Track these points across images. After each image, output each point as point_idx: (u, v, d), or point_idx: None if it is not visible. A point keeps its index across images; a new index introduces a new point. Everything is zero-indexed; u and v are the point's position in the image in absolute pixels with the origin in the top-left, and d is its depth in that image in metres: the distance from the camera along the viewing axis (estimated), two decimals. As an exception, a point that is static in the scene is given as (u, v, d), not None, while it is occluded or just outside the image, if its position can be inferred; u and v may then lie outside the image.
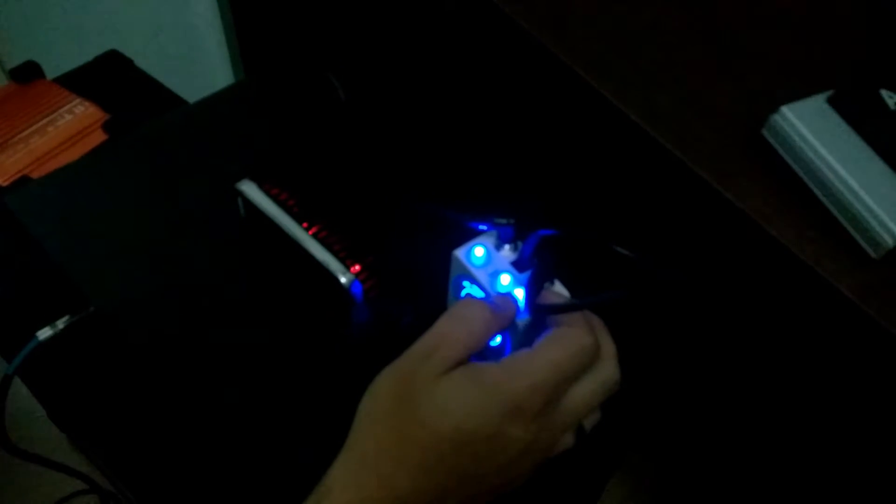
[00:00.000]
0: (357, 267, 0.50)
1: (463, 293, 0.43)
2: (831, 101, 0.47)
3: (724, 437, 0.68)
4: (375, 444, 0.35)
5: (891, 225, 0.42)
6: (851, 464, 0.54)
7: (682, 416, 0.72)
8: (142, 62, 0.92)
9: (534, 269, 0.40)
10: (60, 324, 0.59)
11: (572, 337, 0.36)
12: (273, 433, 0.51)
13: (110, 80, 0.89)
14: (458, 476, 0.35)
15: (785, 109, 0.46)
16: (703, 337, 0.60)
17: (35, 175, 0.74)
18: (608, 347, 0.38)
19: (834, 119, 0.47)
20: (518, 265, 0.41)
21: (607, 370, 0.37)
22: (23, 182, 0.72)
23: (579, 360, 0.36)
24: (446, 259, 0.43)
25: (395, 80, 0.73)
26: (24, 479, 1.23)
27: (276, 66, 1.06)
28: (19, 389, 0.61)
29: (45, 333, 0.59)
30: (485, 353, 0.38)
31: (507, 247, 0.41)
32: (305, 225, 0.52)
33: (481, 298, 0.40)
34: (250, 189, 0.54)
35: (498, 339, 0.40)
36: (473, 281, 0.41)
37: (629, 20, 0.56)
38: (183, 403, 0.53)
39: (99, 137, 0.79)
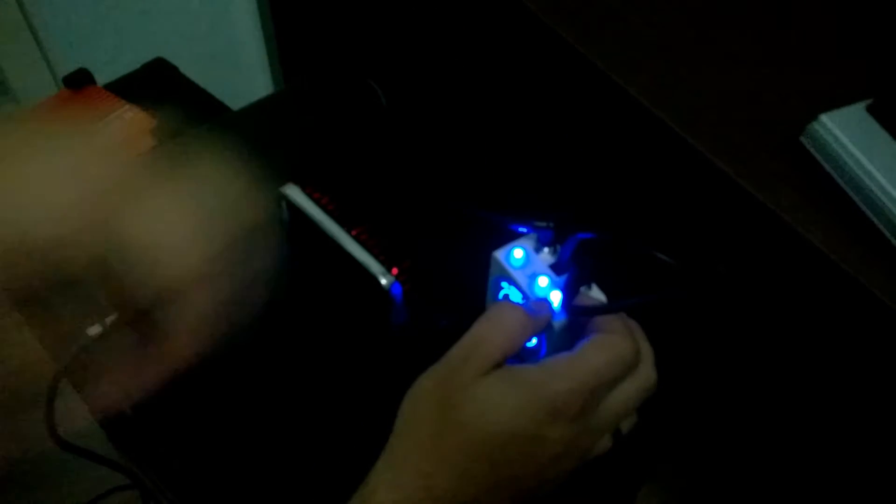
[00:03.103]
0: (397, 269, 0.51)
1: (501, 294, 0.44)
2: (870, 110, 0.47)
3: (760, 453, 0.68)
4: (417, 447, 0.36)
5: (931, 233, 0.42)
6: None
7: (715, 429, 0.72)
8: (186, 69, 0.95)
9: (572, 272, 0.41)
10: (109, 321, 0.61)
11: (614, 344, 0.37)
12: (314, 433, 0.52)
13: (157, 86, 0.91)
14: (497, 477, 0.35)
15: (824, 117, 0.47)
16: (734, 347, 0.60)
17: (86, 178, 0.76)
18: (646, 352, 0.39)
19: (873, 127, 0.47)
20: (556, 268, 0.41)
21: (645, 374, 0.38)
22: (75, 185, 0.75)
23: (620, 366, 0.37)
24: (485, 261, 0.44)
25: (435, 86, 0.74)
26: (64, 475, 1.25)
27: (315, 72, 1.08)
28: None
29: (94, 330, 0.61)
30: (521, 354, 0.38)
31: (546, 249, 0.42)
32: (347, 227, 0.53)
33: (517, 302, 0.41)
34: (294, 193, 0.56)
35: (534, 340, 0.41)
36: (512, 282, 0.42)
37: (665, 25, 0.57)
38: (223, 404, 0.55)
39: (148, 143, 0.81)
